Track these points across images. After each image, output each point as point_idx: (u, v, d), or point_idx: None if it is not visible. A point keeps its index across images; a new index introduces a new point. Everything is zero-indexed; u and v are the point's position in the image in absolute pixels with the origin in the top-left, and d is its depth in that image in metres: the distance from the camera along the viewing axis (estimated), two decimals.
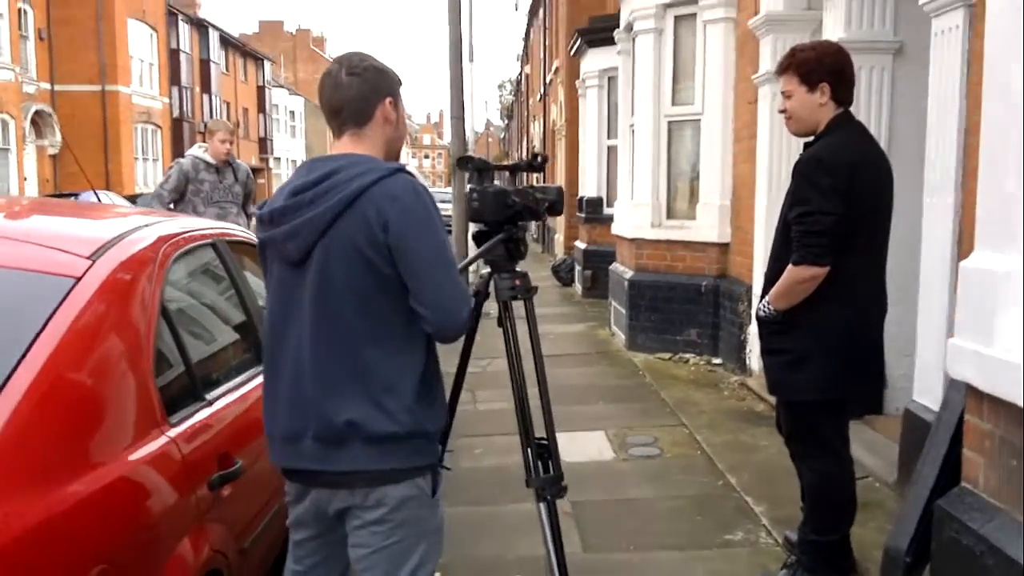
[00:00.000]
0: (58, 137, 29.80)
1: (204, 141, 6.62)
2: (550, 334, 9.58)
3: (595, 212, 11.93)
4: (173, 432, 2.24)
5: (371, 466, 2.04)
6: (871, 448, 4.66)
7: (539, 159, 2.64)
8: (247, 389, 2.78)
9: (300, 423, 2.06)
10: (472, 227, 2.71)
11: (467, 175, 2.66)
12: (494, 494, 4.60)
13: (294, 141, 56.36)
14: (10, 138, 26.48)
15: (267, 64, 50.55)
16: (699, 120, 7.73)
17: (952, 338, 2.51)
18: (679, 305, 7.83)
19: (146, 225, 2.67)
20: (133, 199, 19.88)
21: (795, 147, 6.26)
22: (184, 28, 36.50)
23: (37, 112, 28.76)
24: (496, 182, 2.60)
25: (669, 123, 8.02)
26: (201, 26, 38.99)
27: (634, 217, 8.28)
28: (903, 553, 2.71)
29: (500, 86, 67.78)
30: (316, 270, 2.04)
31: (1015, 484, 2.28)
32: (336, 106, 2.13)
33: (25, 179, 27.63)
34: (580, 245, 12.73)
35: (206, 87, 39.73)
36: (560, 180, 17.14)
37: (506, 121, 55.62)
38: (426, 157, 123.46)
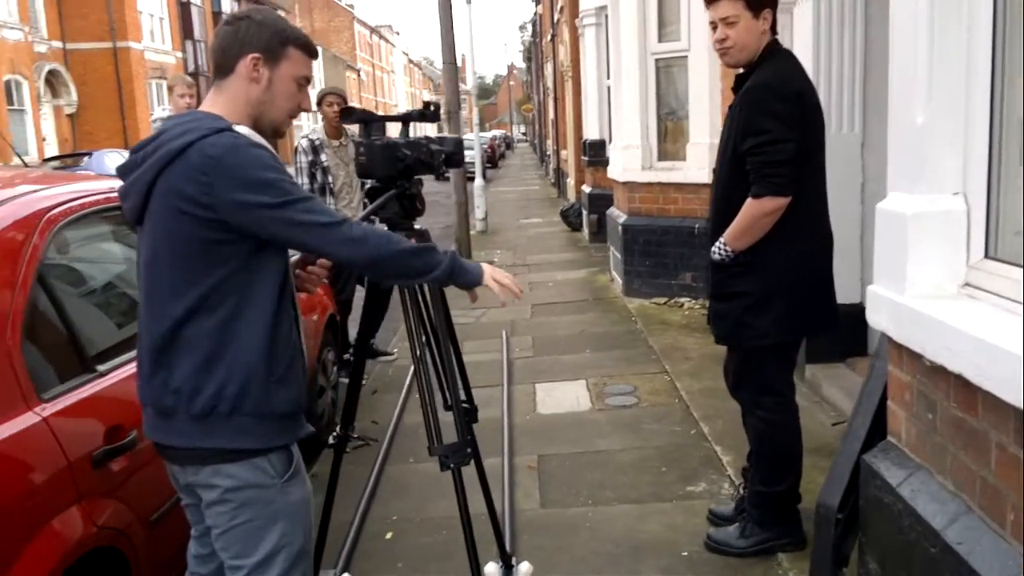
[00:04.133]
0: (74, 96, 29.85)
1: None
2: (549, 281, 9.48)
3: (597, 155, 11.66)
4: (44, 408, 2.17)
5: (197, 443, 1.96)
6: (851, 393, 4.51)
7: (432, 108, 2.48)
8: None
9: (143, 391, 2.01)
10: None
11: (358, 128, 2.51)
12: None
13: (313, 91, 56.00)
14: (24, 99, 26.52)
15: (281, 14, 50.09)
16: (686, 57, 7.44)
17: (871, 284, 2.35)
18: (673, 249, 7.64)
19: (32, 192, 2.58)
20: None
21: None
22: None
23: (51, 71, 28.76)
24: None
25: (656, 61, 7.75)
26: None
27: (625, 160, 8.06)
28: (834, 510, 2.58)
29: (521, 27, 66.61)
30: (147, 232, 1.96)
31: (932, 440, 2.14)
32: (209, 55, 2.05)
33: (44, 139, 27.77)
34: (586, 189, 12.50)
35: None
36: (568, 123, 16.82)
37: (526, 63, 54.74)
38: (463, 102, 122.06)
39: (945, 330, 1.94)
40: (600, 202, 11.20)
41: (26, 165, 4.42)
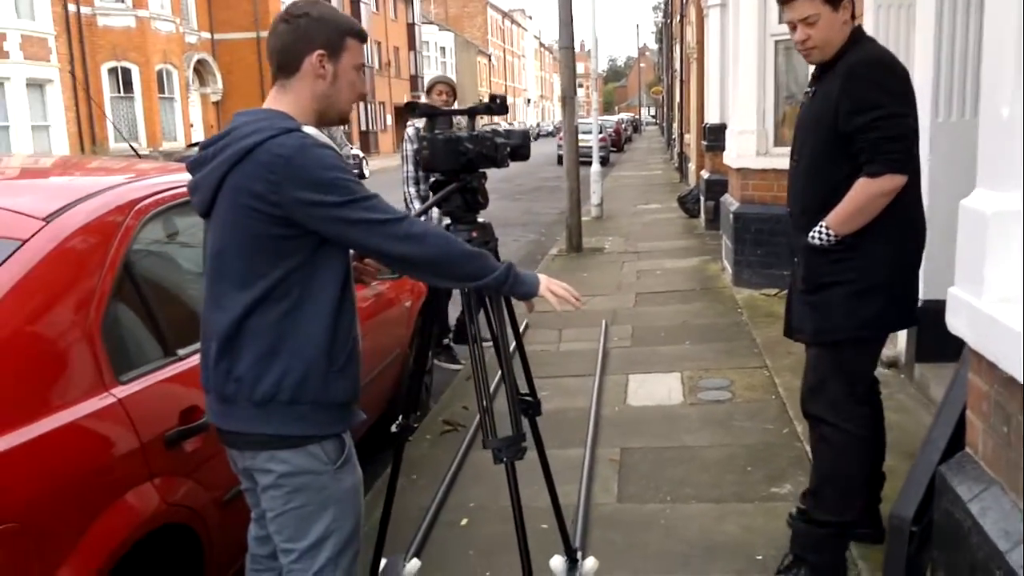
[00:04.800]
0: (220, 84, 31.45)
1: None
2: (658, 269, 9.34)
3: (716, 139, 11.32)
4: (120, 390, 2.30)
5: (255, 429, 2.04)
6: None
7: (498, 101, 2.47)
8: None
9: (206, 377, 2.10)
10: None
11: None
12: (546, 439, 4.50)
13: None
14: (174, 87, 28.12)
15: (416, 1, 51.02)
16: None
17: (952, 286, 2.20)
18: (785, 238, 7.33)
19: (126, 183, 2.74)
20: None
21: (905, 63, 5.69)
22: None
23: (199, 61, 30.39)
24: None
25: (776, 43, 7.47)
26: None
27: (739, 145, 7.82)
28: (908, 522, 2.44)
29: (655, 8, 65.42)
30: (216, 225, 2.04)
31: (1007, 455, 1.99)
32: (270, 54, 2.08)
33: (191, 126, 29.43)
34: (704, 175, 12.21)
35: None
36: (692, 107, 16.46)
37: (658, 45, 53.86)
38: (580, 86, 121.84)
39: (1020, 340, 1.80)
40: (717, 188, 10.90)
41: (137, 155, 4.70)
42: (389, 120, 47.51)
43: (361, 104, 40.71)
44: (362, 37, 2.12)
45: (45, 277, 2.24)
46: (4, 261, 2.19)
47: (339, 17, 2.08)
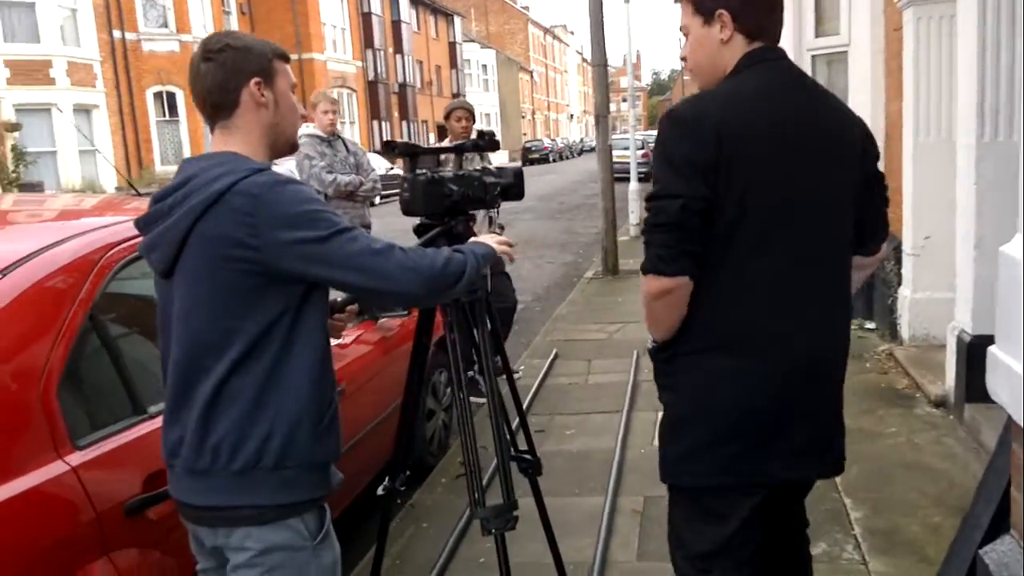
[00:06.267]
0: None
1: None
2: None
3: None
4: (75, 457, 2.13)
5: (236, 502, 1.85)
6: None
7: (485, 138, 2.27)
8: None
9: (168, 447, 1.93)
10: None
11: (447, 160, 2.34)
12: (566, 485, 4.29)
13: (487, 95, 57.17)
14: None
15: (457, 20, 51.31)
16: (845, 52, 6.85)
17: (993, 345, 1.93)
18: None
19: (96, 228, 2.58)
20: None
21: (946, 78, 5.38)
22: None
23: None
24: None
25: (812, 57, 7.19)
26: None
27: None
28: None
29: None
30: (182, 283, 1.87)
31: None
32: (198, 98, 1.92)
33: None
34: None
35: (398, 47, 40.96)
36: None
37: None
38: (624, 100, 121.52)
39: None
40: None
41: (137, 192, 4.58)
42: (432, 139, 47.79)
43: (403, 123, 41.00)
44: (286, 58, 2.00)
45: None
46: None
47: (260, 42, 1.94)
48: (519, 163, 50.35)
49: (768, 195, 1.86)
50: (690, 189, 1.84)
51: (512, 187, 2.37)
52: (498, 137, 2.45)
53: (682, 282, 1.88)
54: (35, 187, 19.13)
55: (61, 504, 2.07)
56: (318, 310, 1.91)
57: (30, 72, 21.48)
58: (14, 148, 19.88)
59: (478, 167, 2.23)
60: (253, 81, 1.88)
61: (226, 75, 1.87)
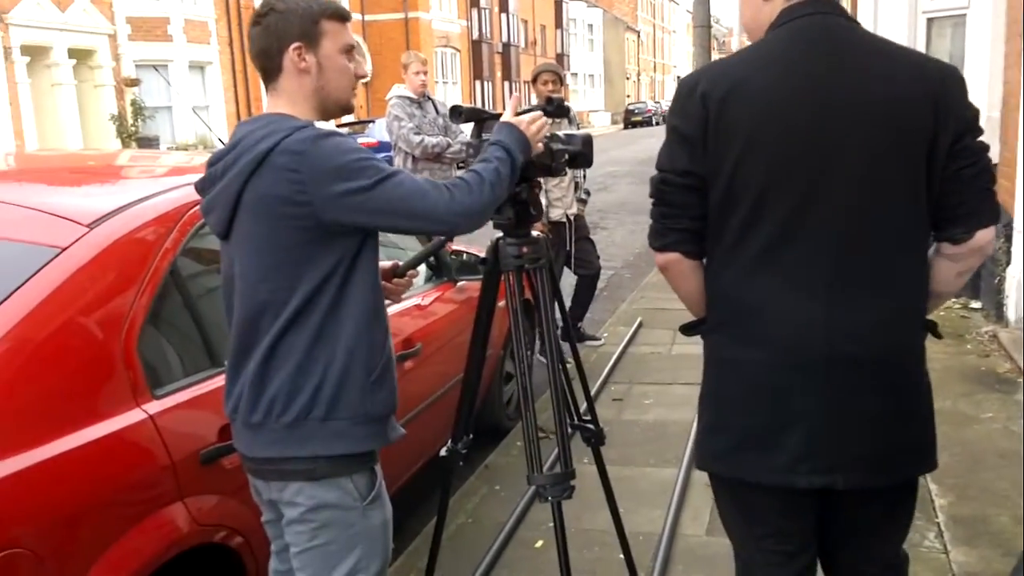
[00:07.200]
0: (369, 65, 32.19)
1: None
2: None
3: None
4: (153, 406, 2.23)
5: (288, 453, 1.92)
6: None
7: (553, 104, 2.25)
8: None
9: (230, 402, 2.01)
10: None
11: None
12: (641, 455, 4.28)
13: (592, 55, 56.42)
14: None
15: None
16: (964, 15, 6.47)
17: None
18: None
19: (183, 185, 2.67)
20: None
21: None
22: None
23: None
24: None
25: (928, 20, 6.81)
26: None
27: None
28: None
29: None
30: (238, 244, 1.93)
31: None
32: (254, 62, 1.97)
33: None
34: None
35: (504, 6, 40.71)
36: None
37: None
38: None
39: None
40: None
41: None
42: (534, 98, 47.52)
43: (505, 83, 40.86)
44: (341, 17, 1.95)
45: (82, 287, 2.19)
46: (39, 270, 2.15)
47: (309, 4, 1.90)
48: (621, 125, 49.54)
49: (767, 170, 1.70)
50: (671, 163, 1.78)
51: (580, 154, 2.33)
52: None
53: (672, 258, 1.84)
54: (151, 141, 19.97)
55: (138, 450, 2.18)
56: (369, 267, 1.95)
57: (150, 29, 22.28)
58: (133, 103, 20.73)
59: (547, 134, 2.19)
60: (292, 47, 1.88)
61: (268, 40, 1.90)
